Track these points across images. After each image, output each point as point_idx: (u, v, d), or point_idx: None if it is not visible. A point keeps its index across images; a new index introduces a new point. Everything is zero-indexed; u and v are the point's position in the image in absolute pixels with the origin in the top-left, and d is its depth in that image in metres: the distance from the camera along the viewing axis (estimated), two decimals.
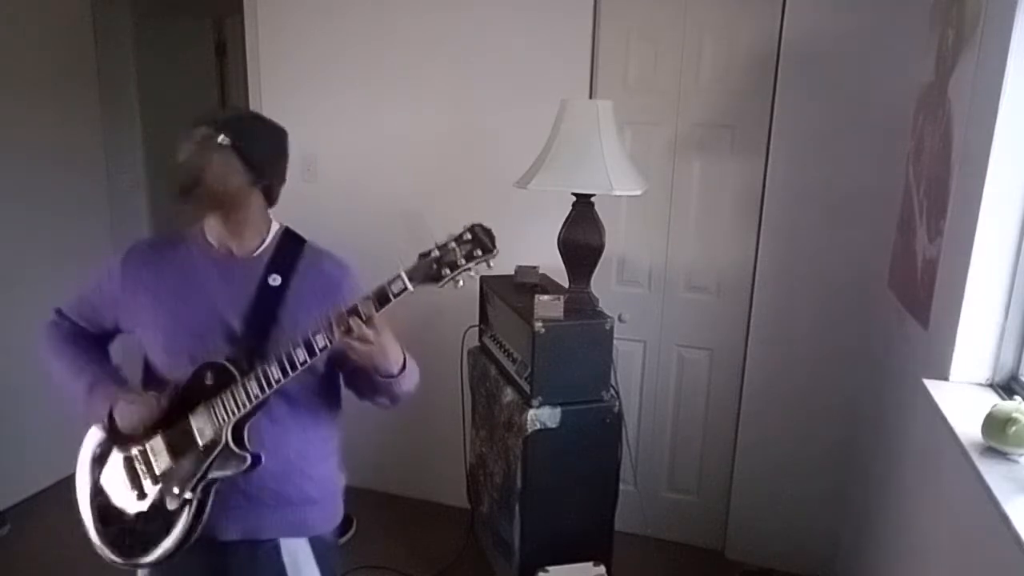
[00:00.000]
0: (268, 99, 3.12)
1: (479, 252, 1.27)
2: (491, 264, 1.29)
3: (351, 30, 2.97)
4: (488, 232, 1.28)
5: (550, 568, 2.13)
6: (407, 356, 1.45)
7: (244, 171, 1.39)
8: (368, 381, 1.45)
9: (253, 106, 3.15)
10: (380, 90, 2.98)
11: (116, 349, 1.62)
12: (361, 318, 1.29)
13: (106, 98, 3.48)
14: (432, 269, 1.27)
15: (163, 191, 3.97)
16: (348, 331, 1.29)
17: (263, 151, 1.43)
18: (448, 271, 1.27)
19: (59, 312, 1.58)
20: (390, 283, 1.29)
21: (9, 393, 3.03)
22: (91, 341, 1.57)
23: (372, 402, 1.52)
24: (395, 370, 1.41)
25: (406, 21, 2.89)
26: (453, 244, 1.27)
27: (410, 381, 1.47)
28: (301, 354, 1.32)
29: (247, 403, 1.34)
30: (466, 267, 1.27)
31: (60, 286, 1.63)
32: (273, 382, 1.33)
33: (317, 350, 1.32)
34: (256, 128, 1.45)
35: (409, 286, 1.27)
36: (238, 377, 1.35)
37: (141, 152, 3.90)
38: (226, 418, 1.36)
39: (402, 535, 3.01)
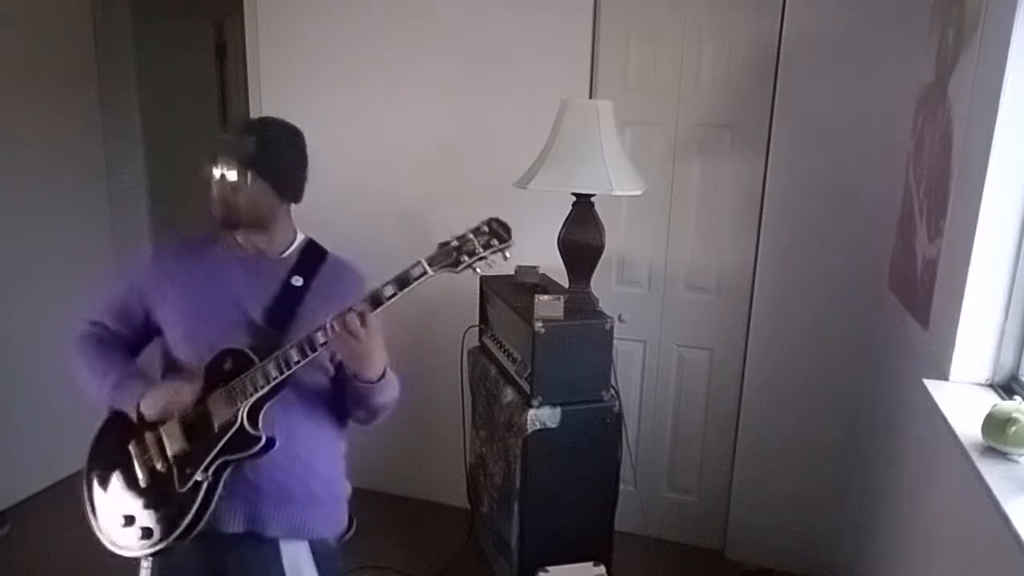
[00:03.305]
0: (268, 99, 3.12)
1: (496, 242, 1.34)
2: (507, 255, 1.35)
3: (351, 30, 2.97)
4: (504, 225, 1.36)
5: (550, 568, 2.13)
6: (388, 369, 1.48)
7: (275, 194, 1.52)
8: (350, 389, 1.48)
9: (253, 106, 3.15)
10: (380, 90, 2.98)
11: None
12: (377, 304, 1.36)
13: (106, 98, 3.48)
14: (451, 256, 1.34)
15: (163, 191, 3.98)
16: (359, 315, 1.35)
17: (290, 170, 1.54)
18: (467, 258, 1.33)
19: (92, 321, 1.62)
20: (411, 268, 1.35)
21: (9, 393, 3.02)
22: (121, 347, 1.60)
23: (351, 417, 1.57)
24: (375, 377, 1.44)
25: (406, 21, 2.89)
26: (471, 235, 1.34)
27: (388, 394, 1.50)
28: (320, 336, 1.37)
29: (264, 384, 1.39)
30: (484, 255, 1.34)
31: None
32: (292, 363, 1.38)
33: (331, 332, 1.37)
34: (279, 147, 1.52)
35: (429, 271, 1.34)
36: (256, 361, 1.40)
37: (141, 152, 3.89)
38: (243, 399, 1.40)
39: (402, 535, 3.01)
